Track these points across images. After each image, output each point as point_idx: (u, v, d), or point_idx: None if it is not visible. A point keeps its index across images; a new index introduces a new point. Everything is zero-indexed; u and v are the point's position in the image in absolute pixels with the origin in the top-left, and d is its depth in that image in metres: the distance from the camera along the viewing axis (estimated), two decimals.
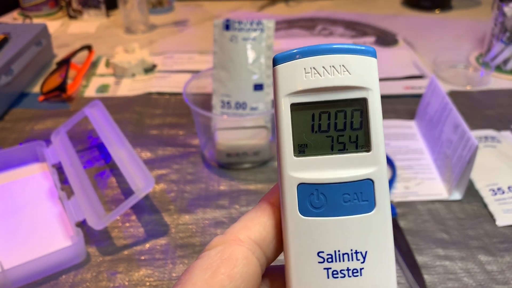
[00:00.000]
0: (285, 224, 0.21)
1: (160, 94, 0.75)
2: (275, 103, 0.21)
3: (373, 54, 0.21)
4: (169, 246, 0.48)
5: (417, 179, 0.56)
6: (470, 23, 1.03)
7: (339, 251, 0.21)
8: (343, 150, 0.21)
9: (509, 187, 0.54)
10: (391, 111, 0.69)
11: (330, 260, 0.21)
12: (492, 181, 0.55)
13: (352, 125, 0.21)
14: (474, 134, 0.60)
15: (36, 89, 0.77)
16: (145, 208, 0.52)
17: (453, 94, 0.73)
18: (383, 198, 0.21)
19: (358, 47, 0.21)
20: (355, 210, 0.21)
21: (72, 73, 0.79)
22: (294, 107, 0.21)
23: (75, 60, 0.82)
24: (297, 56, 0.21)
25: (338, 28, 1.01)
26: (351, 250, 0.21)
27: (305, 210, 0.21)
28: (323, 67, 0.21)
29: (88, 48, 0.86)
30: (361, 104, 0.21)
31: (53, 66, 0.83)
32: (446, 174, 0.54)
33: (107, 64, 0.85)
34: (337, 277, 0.21)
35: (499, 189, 0.54)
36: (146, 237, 0.49)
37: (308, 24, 1.04)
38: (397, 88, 0.76)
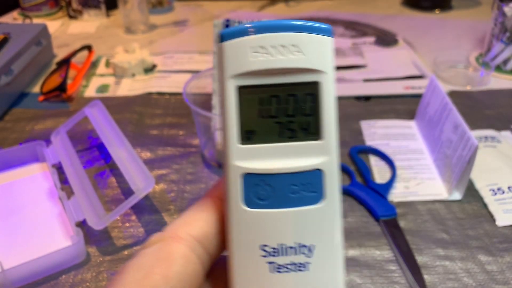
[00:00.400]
0: (228, 216, 0.20)
1: (160, 94, 0.75)
2: (220, 85, 0.20)
3: (328, 33, 0.19)
4: None
5: (417, 179, 0.56)
6: (470, 23, 1.03)
7: (284, 244, 0.20)
8: (292, 137, 0.20)
9: (509, 187, 0.54)
10: (391, 111, 0.69)
11: (274, 254, 0.20)
12: (492, 181, 0.55)
13: (304, 111, 0.20)
14: (474, 134, 0.60)
15: (36, 89, 0.77)
16: (145, 208, 0.53)
17: (453, 94, 0.73)
18: (333, 190, 0.20)
19: (313, 25, 0.19)
20: (302, 202, 0.20)
21: (72, 73, 0.79)
22: (241, 90, 0.19)
23: (75, 60, 0.82)
24: (246, 32, 0.19)
25: (338, 28, 1.01)
26: (297, 243, 0.20)
27: (250, 201, 0.20)
28: (273, 46, 0.19)
29: (88, 48, 0.86)
30: (314, 88, 0.19)
31: (53, 66, 0.83)
32: (446, 174, 0.54)
33: (107, 64, 0.85)
34: (281, 272, 0.20)
35: (499, 189, 0.54)
36: (146, 237, 0.49)
37: None
38: (397, 88, 0.76)
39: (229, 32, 0.19)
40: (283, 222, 0.20)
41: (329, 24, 0.19)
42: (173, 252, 0.19)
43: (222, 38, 0.19)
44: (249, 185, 0.20)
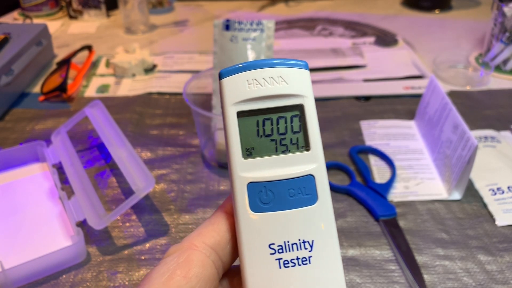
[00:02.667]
0: (237, 222, 0.23)
1: (160, 94, 0.75)
2: (222, 112, 0.23)
3: (305, 66, 0.24)
4: (170, 245, 0.48)
5: (416, 179, 0.56)
6: (470, 23, 1.03)
7: (288, 241, 0.23)
8: (286, 151, 0.24)
9: (508, 187, 0.54)
10: (390, 111, 0.70)
11: (280, 250, 0.23)
12: (492, 181, 0.55)
13: (293, 129, 0.24)
14: (474, 134, 0.60)
15: (37, 89, 0.77)
16: (146, 208, 0.53)
17: (452, 94, 0.74)
18: (324, 191, 0.23)
19: (293, 61, 0.24)
20: (300, 203, 0.23)
21: (72, 73, 0.79)
22: (240, 114, 0.23)
23: (75, 60, 0.83)
24: (240, 70, 0.23)
25: (338, 28, 1.01)
26: (299, 240, 0.23)
27: (255, 206, 0.23)
28: (264, 78, 0.23)
29: (89, 48, 0.86)
30: (299, 110, 0.24)
31: (54, 66, 0.83)
32: (446, 174, 0.54)
33: (107, 64, 0.86)
34: (288, 266, 0.23)
35: (498, 189, 0.54)
36: (147, 237, 0.49)
37: (308, 24, 1.04)
38: (397, 88, 0.76)
39: (227, 71, 0.23)
40: (286, 222, 0.23)
41: (306, 61, 0.24)
42: (191, 257, 0.22)
43: (222, 76, 0.23)
44: (253, 192, 0.23)
